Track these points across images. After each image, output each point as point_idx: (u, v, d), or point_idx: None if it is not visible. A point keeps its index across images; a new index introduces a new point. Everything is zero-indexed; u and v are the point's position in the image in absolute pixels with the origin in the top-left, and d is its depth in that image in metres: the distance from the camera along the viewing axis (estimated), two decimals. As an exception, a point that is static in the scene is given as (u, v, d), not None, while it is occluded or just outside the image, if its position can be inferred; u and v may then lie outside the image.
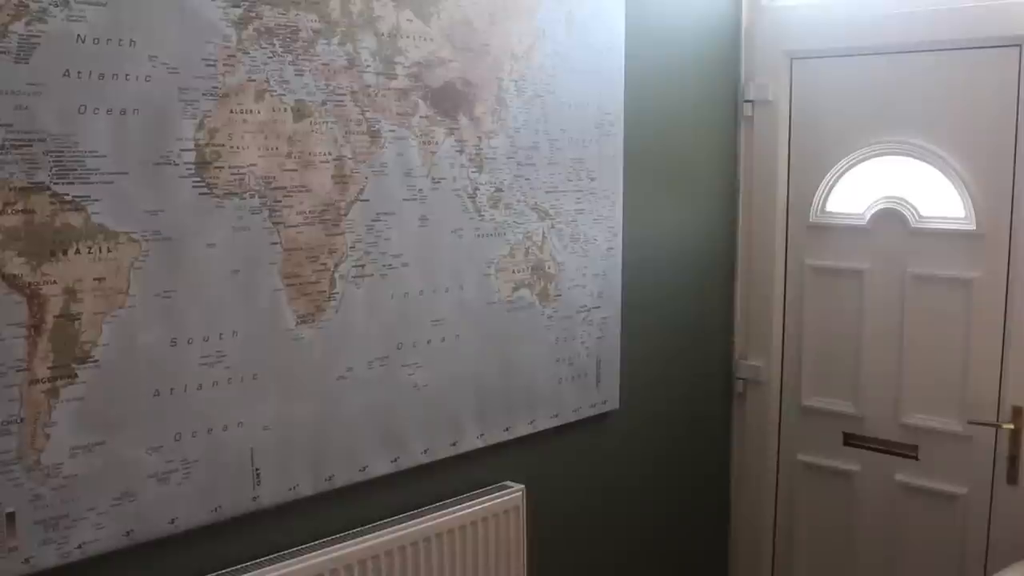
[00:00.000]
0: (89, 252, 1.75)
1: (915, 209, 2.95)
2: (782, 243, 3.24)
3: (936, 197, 2.91)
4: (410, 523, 2.32)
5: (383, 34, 2.18)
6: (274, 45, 1.99)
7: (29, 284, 1.68)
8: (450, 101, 2.34)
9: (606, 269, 2.82)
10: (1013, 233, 2.78)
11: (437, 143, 2.32)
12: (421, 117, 2.28)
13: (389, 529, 2.28)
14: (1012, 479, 2.84)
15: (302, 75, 2.04)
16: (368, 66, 2.16)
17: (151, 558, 1.93)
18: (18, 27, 1.63)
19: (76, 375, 1.76)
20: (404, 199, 2.27)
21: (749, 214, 3.29)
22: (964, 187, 2.84)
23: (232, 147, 1.94)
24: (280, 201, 2.03)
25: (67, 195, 1.71)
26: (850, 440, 3.17)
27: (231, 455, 2.01)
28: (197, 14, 1.86)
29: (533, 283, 2.61)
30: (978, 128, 2.81)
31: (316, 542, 2.18)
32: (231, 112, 1.93)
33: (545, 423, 2.67)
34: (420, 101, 2.28)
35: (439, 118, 2.32)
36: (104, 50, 1.74)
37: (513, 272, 2.55)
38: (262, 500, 2.07)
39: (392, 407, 2.30)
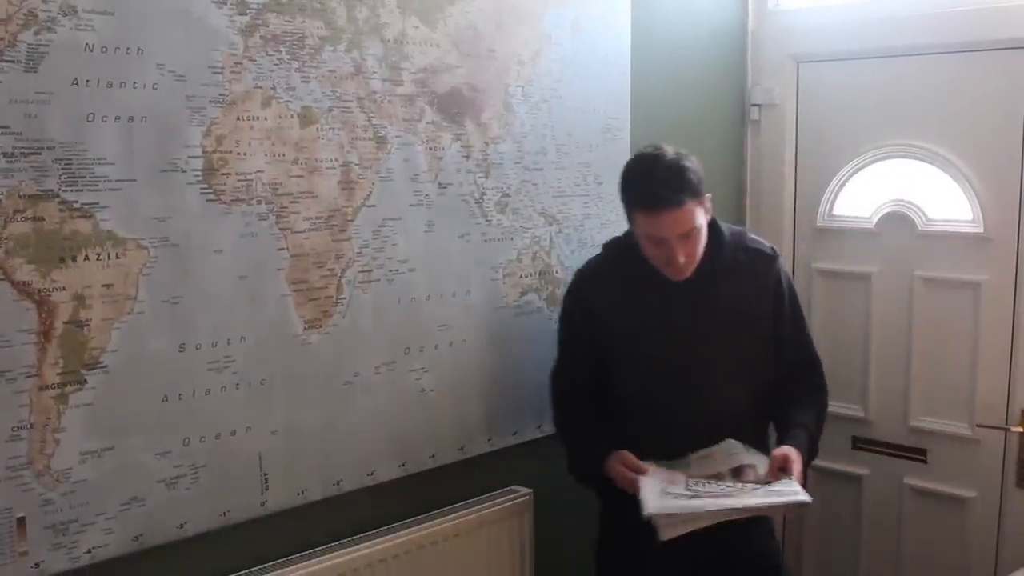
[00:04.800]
0: (98, 259, 1.77)
1: (922, 212, 2.94)
2: (789, 246, 3.23)
3: (944, 200, 2.90)
4: (418, 528, 2.33)
5: (389, 40, 2.20)
6: (280, 52, 2.00)
7: (38, 291, 1.70)
8: (456, 107, 2.35)
9: (613, 273, 2.82)
10: (1021, 236, 2.77)
11: (443, 148, 2.33)
12: (427, 123, 2.29)
13: (397, 533, 2.29)
14: (1021, 482, 2.82)
15: (308, 82, 2.05)
16: (374, 72, 2.17)
17: (160, 563, 1.94)
18: (27, 36, 1.65)
19: (85, 381, 1.77)
20: (411, 204, 2.27)
21: (756, 217, 3.29)
22: (972, 190, 2.83)
23: (239, 154, 1.95)
24: (287, 207, 2.04)
25: (76, 202, 1.73)
26: (859, 444, 3.16)
27: (239, 460, 2.02)
28: (204, 22, 1.88)
29: (541, 288, 2.61)
30: (985, 131, 2.80)
31: (324, 547, 2.19)
32: (238, 119, 1.94)
33: (552, 428, 2.68)
34: (426, 107, 2.29)
35: (445, 124, 2.33)
36: (112, 59, 1.76)
37: (520, 277, 2.56)
38: (270, 505, 2.08)
39: (400, 412, 2.31)
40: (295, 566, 2.10)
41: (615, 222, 2.79)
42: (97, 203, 1.76)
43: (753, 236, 2.40)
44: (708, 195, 2.19)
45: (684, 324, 2.27)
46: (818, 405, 2.40)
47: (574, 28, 2.62)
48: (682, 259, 2.15)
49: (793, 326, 2.38)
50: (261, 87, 1.98)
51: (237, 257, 1.97)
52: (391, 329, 2.27)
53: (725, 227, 2.32)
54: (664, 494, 2.10)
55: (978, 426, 2.88)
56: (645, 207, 2.13)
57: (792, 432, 2.28)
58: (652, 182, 2.11)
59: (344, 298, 2.16)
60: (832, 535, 3.26)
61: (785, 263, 2.47)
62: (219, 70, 1.91)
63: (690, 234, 2.14)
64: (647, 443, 2.25)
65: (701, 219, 2.15)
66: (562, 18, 2.58)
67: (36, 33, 1.66)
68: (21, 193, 1.67)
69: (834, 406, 3.14)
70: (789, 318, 2.37)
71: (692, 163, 2.15)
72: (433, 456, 2.40)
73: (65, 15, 1.69)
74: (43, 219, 1.69)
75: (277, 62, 2.00)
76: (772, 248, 2.38)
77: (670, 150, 2.17)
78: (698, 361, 2.28)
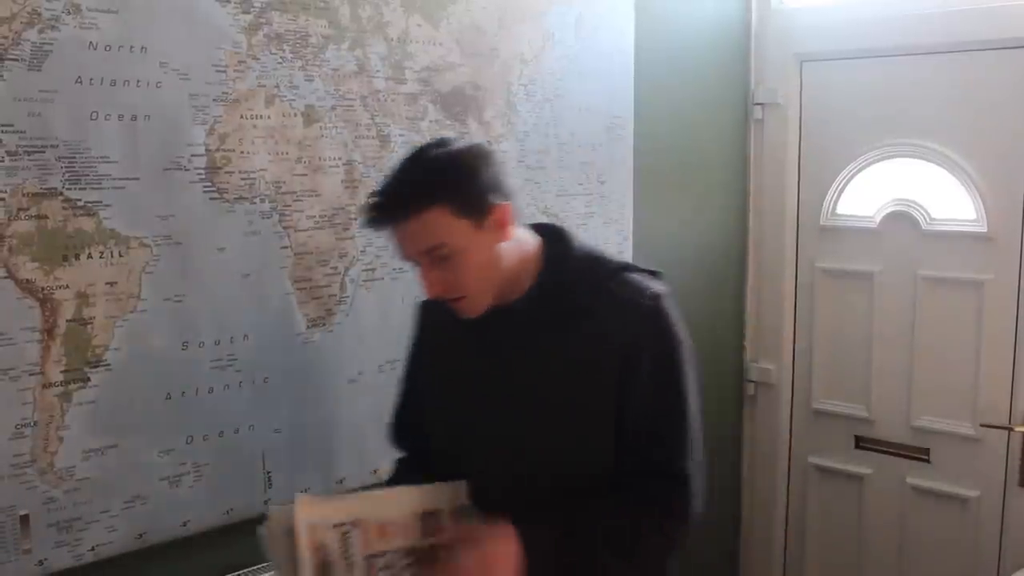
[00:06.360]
0: (101, 257, 1.77)
1: (926, 211, 2.94)
2: (792, 246, 3.24)
3: (947, 199, 2.90)
4: (420, 526, 2.32)
5: (393, 39, 2.20)
6: (284, 51, 2.00)
7: (42, 289, 1.70)
8: (459, 105, 2.35)
9: (616, 272, 2.82)
10: (1025, 235, 2.77)
11: (446, 147, 2.33)
12: (431, 121, 2.29)
13: (399, 532, 2.28)
14: (1024, 482, 2.83)
15: (312, 80, 2.05)
16: (378, 71, 2.17)
17: (163, 560, 1.94)
18: (31, 35, 1.65)
19: (88, 379, 1.77)
20: (414, 203, 2.27)
21: (759, 217, 3.29)
22: (975, 189, 2.83)
23: (242, 152, 1.95)
24: (290, 205, 2.04)
25: (79, 200, 1.73)
26: (861, 443, 3.16)
27: (242, 458, 2.02)
28: (207, 20, 1.88)
29: (543, 286, 2.61)
30: (989, 130, 2.79)
31: (327, 545, 2.19)
32: (241, 117, 1.94)
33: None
34: (429, 105, 2.29)
35: (448, 122, 2.33)
36: (115, 57, 1.76)
37: (523, 275, 2.56)
38: (274, 502, 2.08)
39: (402, 410, 2.30)
40: (298, 564, 2.11)
41: (617, 220, 2.80)
42: (100, 201, 1.76)
43: (635, 277, 1.66)
44: (500, 203, 1.56)
45: (481, 379, 1.68)
46: (637, 524, 1.60)
47: (577, 26, 2.62)
48: (432, 288, 1.57)
49: (652, 418, 1.61)
50: (264, 85, 1.98)
51: (240, 255, 1.97)
52: (394, 327, 2.26)
53: (584, 255, 1.68)
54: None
55: (981, 425, 2.88)
56: (364, 218, 1.60)
57: (540, 525, 1.55)
58: (383, 185, 1.58)
59: (347, 296, 2.16)
60: (834, 535, 3.26)
61: (675, 324, 1.65)
62: (222, 68, 1.91)
63: (437, 253, 1.53)
64: None
65: (457, 235, 1.52)
66: (565, 16, 2.58)
67: (40, 31, 1.66)
68: (25, 191, 1.67)
69: (837, 405, 3.19)
70: (647, 404, 1.60)
71: (456, 157, 1.56)
72: (436, 454, 2.40)
73: (69, 13, 1.69)
74: (47, 217, 1.70)
75: (280, 60, 2.00)
76: (655, 299, 1.62)
77: (441, 142, 1.61)
78: (488, 432, 1.68)
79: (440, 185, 1.52)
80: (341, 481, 2.19)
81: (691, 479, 1.63)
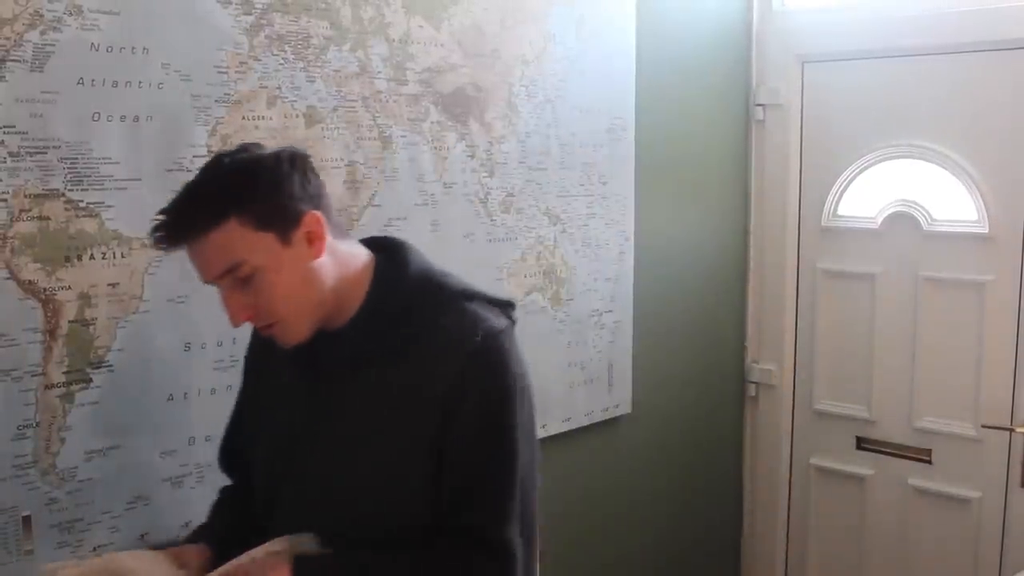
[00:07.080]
0: (103, 258, 1.77)
1: (927, 212, 2.94)
2: (794, 246, 3.24)
3: (948, 200, 2.90)
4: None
5: (394, 40, 2.20)
6: (285, 52, 2.00)
7: (44, 290, 1.70)
8: (461, 106, 2.35)
9: (618, 273, 2.82)
10: (1026, 236, 2.77)
11: (448, 148, 2.33)
12: (432, 122, 2.29)
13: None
14: (1026, 483, 2.83)
15: (313, 81, 2.05)
16: (379, 72, 2.17)
17: (165, 561, 1.94)
18: (33, 36, 1.65)
19: (91, 380, 1.77)
20: (416, 204, 2.28)
21: (761, 217, 3.29)
22: (976, 190, 2.83)
23: (244, 153, 1.95)
24: (292, 206, 2.04)
25: (81, 201, 1.73)
26: (863, 444, 3.16)
27: (244, 459, 2.02)
28: (209, 22, 1.88)
29: (545, 287, 2.61)
30: (990, 131, 2.80)
31: (329, 545, 2.18)
32: (243, 118, 1.94)
33: (557, 427, 2.68)
34: (431, 106, 2.29)
35: (450, 123, 2.33)
36: (117, 58, 1.76)
37: (525, 276, 2.56)
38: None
39: (404, 411, 2.30)
40: (299, 565, 2.10)
41: (619, 221, 2.80)
42: (103, 202, 1.76)
43: (472, 308, 1.47)
44: (311, 214, 1.40)
45: (299, 411, 1.51)
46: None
47: (579, 27, 2.62)
48: (237, 315, 1.39)
49: (470, 474, 1.42)
50: (266, 87, 1.98)
51: (242, 256, 1.97)
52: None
53: (420, 276, 1.48)
54: None
55: (983, 426, 2.88)
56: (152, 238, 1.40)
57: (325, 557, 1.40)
58: (172, 200, 1.40)
59: (349, 297, 2.16)
60: (836, 535, 3.26)
61: (507, 367, 1.45)
62: (224, 70, 1.91)
63: (238, 274, 1.36)
64: None
65: (258, 251, 1.36)
66: (567, 17, 2.58)
67: (42, 33, 1.66)
68: (27, 192, 1.67)
69: (838, 406, 3.19)
70: (465, 458, 1.41)
71: (254, 164, 1.39)
72: (437, 455, 2.40)
73: (71, 15, 1.69)
74: (49, 218, 1.70)
75: (282, 62, 2.00)
76: (488, 338, 1.43)
77: (242, 148, 1.45)
78: (300, 471, 1.51)
79: (234, 195, 1.34)
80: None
81: (510, 552, 1.42)
